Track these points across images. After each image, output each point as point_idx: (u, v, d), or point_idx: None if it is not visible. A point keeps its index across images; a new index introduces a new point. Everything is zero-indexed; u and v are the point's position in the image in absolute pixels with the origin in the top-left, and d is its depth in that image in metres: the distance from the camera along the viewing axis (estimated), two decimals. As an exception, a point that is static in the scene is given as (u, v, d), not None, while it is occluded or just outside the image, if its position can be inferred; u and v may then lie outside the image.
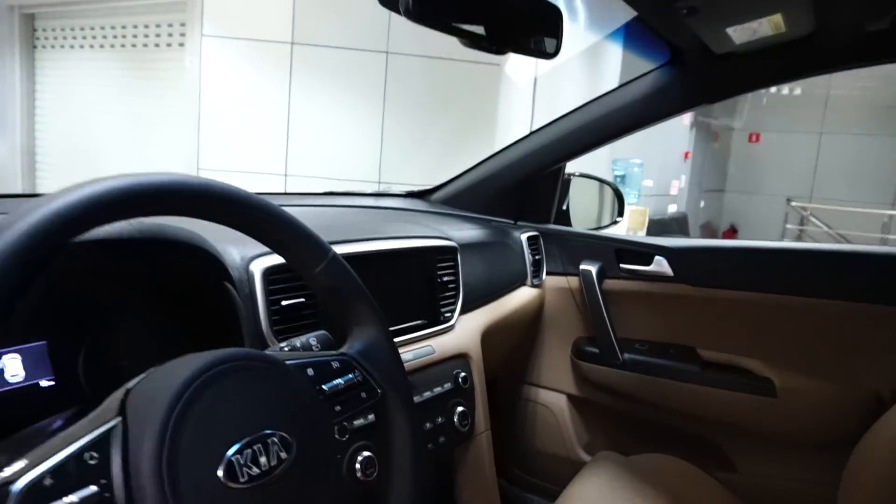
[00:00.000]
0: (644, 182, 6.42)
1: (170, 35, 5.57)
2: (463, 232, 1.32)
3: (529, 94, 4.59)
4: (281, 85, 5.16)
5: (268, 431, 0.47)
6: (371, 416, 0.59)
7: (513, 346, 1.64)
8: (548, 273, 1.63)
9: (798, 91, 10.28)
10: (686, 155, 8.67)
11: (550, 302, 1.64)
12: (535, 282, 1.56)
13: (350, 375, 0.58)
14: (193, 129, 5.30)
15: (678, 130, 8.24)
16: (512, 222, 1.64)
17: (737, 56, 1.20)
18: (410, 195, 1.72)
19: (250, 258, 0.79)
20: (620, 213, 1.85)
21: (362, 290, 0.62)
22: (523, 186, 1.61)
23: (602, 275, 1.55)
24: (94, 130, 6.17)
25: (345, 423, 0.56)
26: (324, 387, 0.55)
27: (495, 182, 1.61)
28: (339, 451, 0.55)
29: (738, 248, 1.44)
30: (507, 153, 1.59)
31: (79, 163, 6.28)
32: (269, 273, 0.79)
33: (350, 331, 0.62)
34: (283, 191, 4.94)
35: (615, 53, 5.23)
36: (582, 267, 1.55)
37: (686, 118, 8.39)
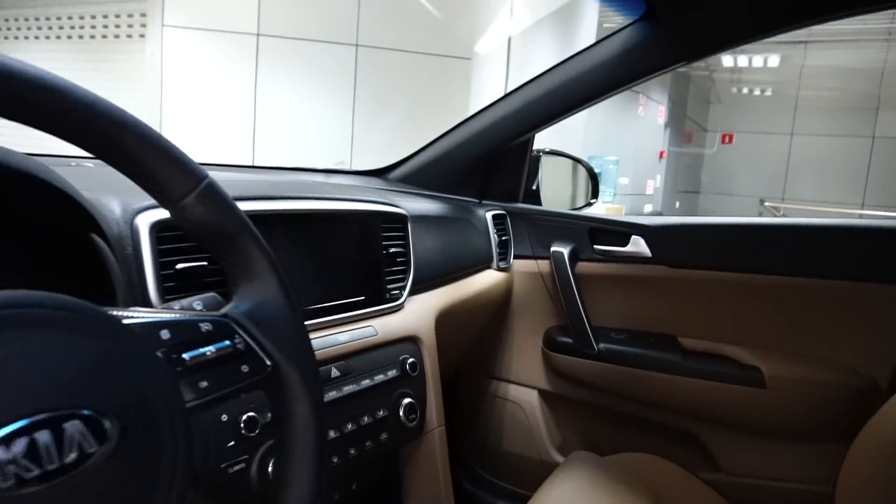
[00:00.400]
0: (620, 180, 6.35)
1: (129, 26, 5.35)
2: (417, 204, 1.17)
3: (501, 84, 4.47)
4: (247, 77, 4.98)
5: (65, 412, 0.31)
6: (259, 397, 0.44)
7: (476, 334, 1.50)
8: (516, 256, 1.49)
9: (769, 92, 10.36)
10: (661, 154, 8.65)
11: (519, 287, 1.50)
12: (502, 265, 1.42)
13: (227, 342, 0.43)
14: (155, 122, 5.09)
15: (653, 129, 8.21)
16: (476, 201, 1.50)
17: (714, 7, 1.08)
18: (366, 173, 1.57)
19: (136, 210, 0.63)
20: (595, 195, 1.72)
21: (251, 232, 0.47)
22: (488, 162, 1.47)
23: (575, 257, 1.42)
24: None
25: (216, 404, 0.41)
26: (184, 356, 0.40)
27: (457, 157, 1.47)
28: (203, 439, 0.40)
29: (721, 225, 1.32)
30: (469, 125, 1.45)
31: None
32: (159, 228, 0.64)
33: (236, 286, 0.48)
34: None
35: (591, 36, 5.14)
36: (553, 249, 1.42)
37: (660, 117, 8.37)
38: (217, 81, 5.01)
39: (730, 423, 1.30)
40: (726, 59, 8.54)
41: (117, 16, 5.43)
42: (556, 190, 1.77)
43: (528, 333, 1.51)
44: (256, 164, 5.11)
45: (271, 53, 4.98)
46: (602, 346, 1.37)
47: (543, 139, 1.60)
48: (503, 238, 1.43)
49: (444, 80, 4.95)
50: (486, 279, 1.35)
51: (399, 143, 1.54)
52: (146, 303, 0.62)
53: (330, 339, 0.81)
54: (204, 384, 0.41)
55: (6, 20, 6.24)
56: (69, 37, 5.76)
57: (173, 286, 0.65)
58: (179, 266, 0.65)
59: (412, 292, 1.00)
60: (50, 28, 5.87)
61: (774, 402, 1.22)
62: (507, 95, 1.39)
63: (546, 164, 1.66)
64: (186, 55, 4.98)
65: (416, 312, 0.99)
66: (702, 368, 1.28)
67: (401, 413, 0.86)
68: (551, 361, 1.45)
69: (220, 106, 5.00)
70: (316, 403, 0.47)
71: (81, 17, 5.66)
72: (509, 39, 4.63)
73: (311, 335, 0.78)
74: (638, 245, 1.35)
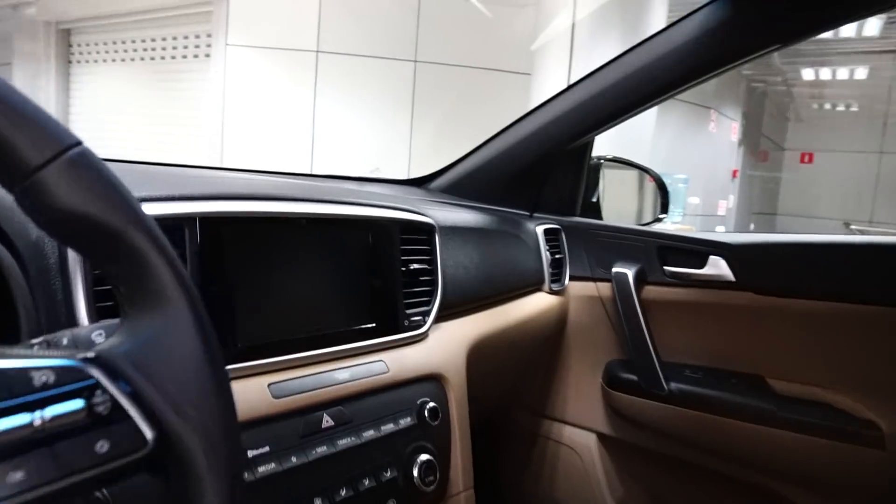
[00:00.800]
0: (689, 199, 6.00)
1: (196, 46, 5.49)
2: (453, 213, 1.00)
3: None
4: (306, 93, 4.99)
5: None
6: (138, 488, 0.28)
7: (522, 367, 1.31)
8: (572, 277, 1.29)
9: (855, 107, 9.70)
10: (734, 173, 8.18)
11: (575, 314, 1.30)
12: (555, 287, 1.23)
13: (79, 403, 0.27)
14: (217, 138, 5.16)
15: (726, 147, 7.78)
16: (527, 213, 1.32)
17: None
18: (404, 182, 1.42)
19: None
20: (664, 209, 1.50)
21: (147, 229, 0.32)
22: (541, 169, 1.29)
23: (641, 280, 1.22)
24: (122, 139, 6.12)
25: None
26: None
27: (506, 164, 1.30)
28: None
29: (821, 245, 1.09)
30: (519, 127, 1.28)
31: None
32: None
33: (123, 312, 0.32)
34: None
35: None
36: (615, 270, 1.22)
37: (733, 134, 7.93)
38: (277, 97, 5.04)
39: (832, 490, 1.06)
40: (807, 73, 8.03)
41: (185, 37, 5.58)
42: (618, 203, 1.57)
43: (586, 367, 1.31)
44: (315, 169, 5.11)
45: (330, 70, 4.97)
46: (673, 385, 1.15)
47: (601, 151, 1.41)
48: (557, 256, 1.25)
49: (503, 95, 4.80)
50: (536, 303, 1.17)
51: (459, 155, 1.38)
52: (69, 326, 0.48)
53: (324, 377, 0.65)
54: (20, 476, 0.25)
55: (87, 45, 6.54)
56: (142, 59, 5.97)
57: (109, 307, 0.50)
58: None
59: (439, 318, 0.83)
60: (125, 51, 6.10)
61: (894, 466, 0.98)
62: (563, 91, 1.21)
63: (608, 174, 1.46)
64: (247, 72, 5.04)
65: (443, 344, 0.82)
66: (797, 419, 1.05)
67: (415, 474, 0.68)
68: (612, 401, 1.25)
69: (279, 121, 5.02)
70: (231, 494, 0.30)
71: (153, 40, 5.85)
72: (571, 53, 4.44)
73: (300, 372, 0.63)
74: (718, 267, 1.14)
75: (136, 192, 0.54)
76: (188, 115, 5.53)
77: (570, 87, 1.20)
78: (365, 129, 5.01)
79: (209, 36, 5.32)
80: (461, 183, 1.36)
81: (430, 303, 0.81)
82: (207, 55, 5.35)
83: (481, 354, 0.90)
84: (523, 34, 4.73)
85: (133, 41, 6.01)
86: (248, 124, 5.05)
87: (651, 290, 1.22)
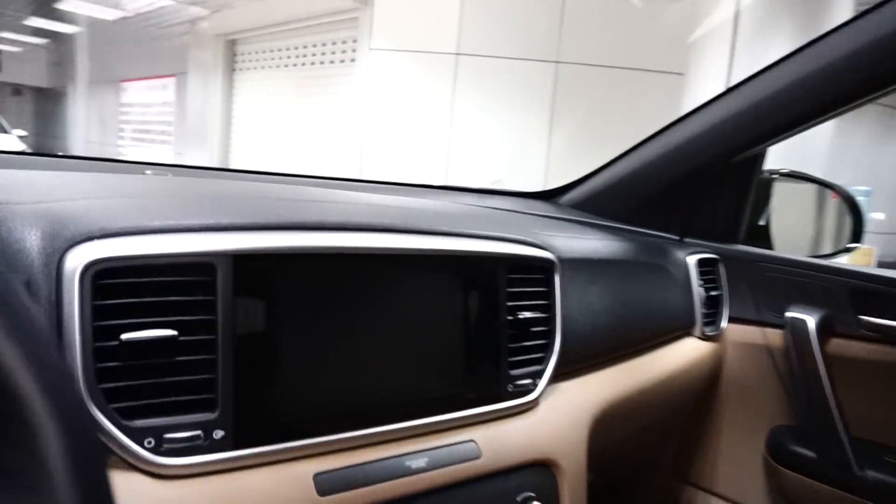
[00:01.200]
0: (872, 215, 5.20)
1: (343, 52, 5.68)
2: (582, 241, 0.82)
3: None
4: (445, 96, 4.95)
5: None
6: None
7: (663, 429, 1.08)
8: (731, 320, 1.05)
9: None
10: (929, 184, 7.02)
11: (733, 364, 1.06)
12: (710, 331, 1.00)
13: None
14: (358, 139, 5.30)
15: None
16: (676, 238, 1.10)
17: None
18: (531, 195, 1.25)
19: (67, 242, 0.39)
20: (856, 237, 1.20)
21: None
22: (695, 185, 1.06)
23: (827, 329, 0.95)
24: (275, 142, 6.50)
25: None
26: None
27: (654, 177, 1.08)
28: None
29: None
30: (670, 135, 1.06)
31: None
32: (102, 275, 0.38)
33: None
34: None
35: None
36: (790, 315, 0.97)
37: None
38: (416, 101, 5.06)
39: None
40: None
41: (333, 43, 5.79)
42: (792, 225, 1.29)
43: (742, 431, 1.06)
44: (435, 182, 5.06)
45: (469, 72, 4.89)
46: (869, 473, 0.88)
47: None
48: (713, 293, 1.01)
49: (652, 97, 4.42)
50: (684, 352, 0.95)
51: (601, 159, 1.18)
52: (66, 396, 0.37)
53: (391, 464, 0.50)
54: None
55: (248, 54, 7.04)
56: (294, 65, 6.30)
57: (116, 368, 0.39)
58: (126, 336, 0.39)
59: (555, 379, 0.65)
60: (280, 58, 6.48)
61: None
62: (726, 93, 0.98)
63: (780, 188, 1.19)
64: (389, 76, 5.11)
65: (558, 415, 0.64)
66: None
67: None
68: (778, 478, 0.99)
69: (417, 125, 5.03)
70: None
71: (305, 47, 6.15)
72: (732, 48, 3.99)
73: (358, 457, 0.48)
74: (942, 322, 0.85)
75: (154, 220, 0.43)
76: (333, 118, 5.74)
77: (733, 87, 0.97)
78: (501, 135, 4.87)
79: (355, 41, 5.47)
80: (597, 198, 1.16)
81: (543, 360, 0.64)
82: (353, 59, 5.51)
83: (609, 423, 0.71)
84: (675, 28, 4.34)
85: (287, 48, 6.36)
86: (388, 127, 5.12)
87: (839, 344, 0.95)
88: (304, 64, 6.16)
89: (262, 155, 6.72)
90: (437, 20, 4.90)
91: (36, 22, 9.45)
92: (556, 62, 4.80)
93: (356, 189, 0.98)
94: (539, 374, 0.62)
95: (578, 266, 0.73)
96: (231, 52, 7.26)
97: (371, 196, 0.82)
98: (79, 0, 7.76)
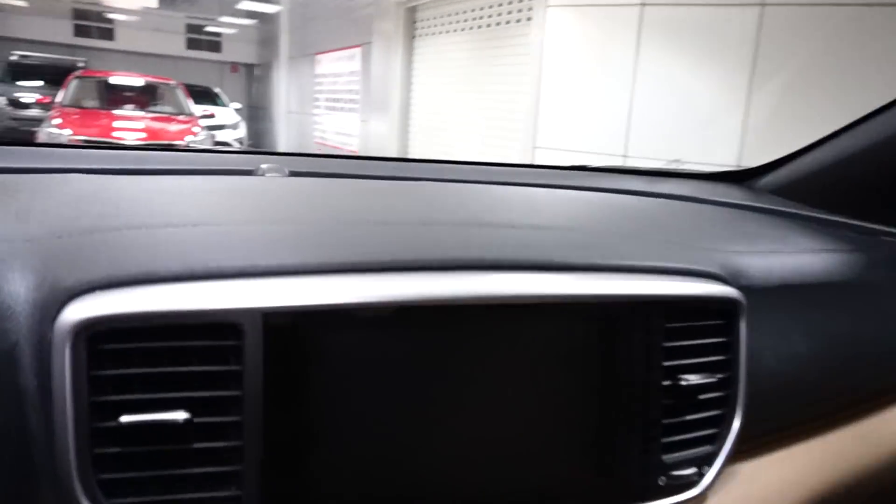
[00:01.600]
0: None
1: (519, 11, 5.47)
2: (786, 256, 0.61)
3: None
4: (626, 54, 4.55)
5: None
6: None
7: None
8: None
9: None
10: None
11: None
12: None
13: None
14: (533, 102, 5.11)
15: None
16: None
17: None
18: (718, 177, 1.02)
19: (63, 298, 0.31)
20: None
21: None
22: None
23: None
24: (451, 107, 6.55)
25: None
26: None
27: (886, 155, 0.80)
28: None
29: None
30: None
31: (439, 133, 6.78)
32: (101, 338, 0.30)
33: None
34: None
35: None
36: None
37: None
38: (595, 59, 4.72)
39: None
40: None
41: (510, 2, 5.60)
42: None
43: None
44: (630, 152, 4.68)
45: (655, 25, 4.43)
46: None
47: None
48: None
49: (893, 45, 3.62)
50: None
51: (820, 123, 0.92)
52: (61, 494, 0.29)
53: None
54: None
55: (427, 20, 7.10)
56: (471, 28, 6.22)
57: (116, 456, 0.31)
58: (127, 420, 0.31)
59: (734, 459, 0.47)
60: (457, 22, 6.44)
61: None
62: None
63: None
64: (567, 34, 4.82)
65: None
66: None
67: None
68: None
69: (596, 85, 4.71)
70: None
71: (481, 9, 6.03)
72: None
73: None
74: None
75: (177, 261, 0.33)
76: (509, 81, 5.59)
77: None
78: (691, 97, 4.35)
79: (531, -1, 5.24)
80: (808, 182, 0.90)
81: (716, 438, 0.46)
82: (529, 18, 5.29)
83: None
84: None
85: (464, 11, 6.30)
86: (563, 91, 4.86)
87: None
88: (480, 27, 6.07)
89: (439, 119, 6.81)
90: (621, -32, 4.48)
91: (247, 5, 10.44)
92: (762, 4, 4.15)
93: (492, 177, 0.84)
94: (709, 459, 0.45)
95: (779, 296, 0.53)
96: (411, 19, 7.39)
97: (494, 193, 0.68)
98: (280, -20, 8.37)
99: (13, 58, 10.18)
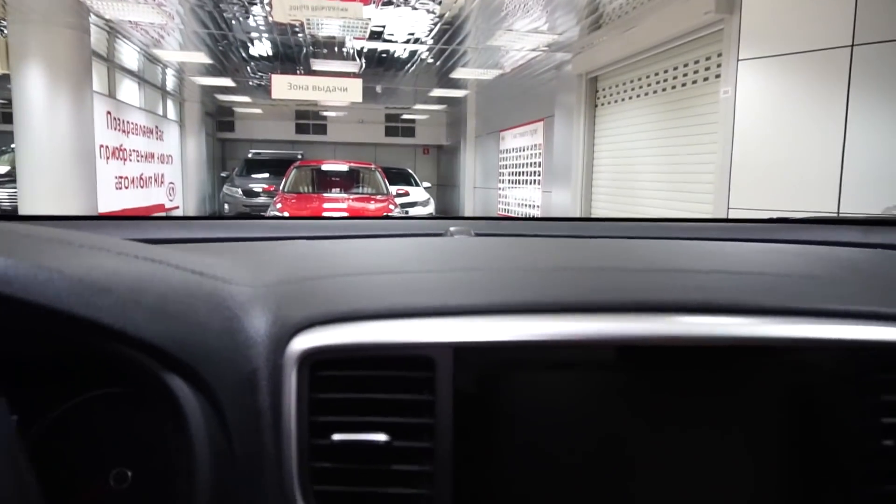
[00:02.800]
0: None
1: (707, 69, 5.29)
2: None
3: None
4: (834, 101, 4.14)
5: None
6: None
7: None
8: None
9: None
10: None
11: None
12: None
13: None
14: (725, 163, 4.82)
15: None
16: None
17: None
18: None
19: (291, 332, 0.37)
20: None
21: None
22: None
23: None
24: (634, 173, 6.41)
25: None
26: None
27: None
28: None
29: None
30: None
31: (623, 201, 6.64)
32: (320, 366, 0.36)
33: None
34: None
35: None
36: None
37: None
38: (796, 111, 4.35)
39: None
40: None
41: (696, 62, 5.45)
42: None
43: None
44: (844, 209, 4.17)
45: (869, 67, 3.99)
46: None
47: None
48: None
49: None
50: None
51: None
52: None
53: None
54: None
55: (608, 88, 7.14)
56: (655, 92, 6.12)
57: (330, 470, 0.35)
58: (338, 438, 0.35)
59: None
60: (640, 87, 6.39)
61: None
62: None
63: None
64: (761, 87, 4.53)
65: None
66: None
67: None
68: None
69: (798, 138, 4.32)
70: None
71: (666, 71, 5.93)
72: None
73: None
74: None
75: (380, 301, 0.37)
76: (699, 141, 5.37)
77: None
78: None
79: (719, 55, 5.03)
80: None
81: None
82: (717, 76, 5.08)
83: None
84: None
85: (647, 76, 6.23)
86: (761, 149, 4.53)
87: None
88: (664, 90, 5.95)
89: (624, 186, 6.69)
90: (824, 12, 4.15)
91: (438, 92, 11.38)
92: None
93: (679, 233, 0.81)
94: None
95: None
96: (593, 89, 7.48)
97: (679, 246, 0.66)
98: (465, 68, 9.03)
99: (249, 155, 12.18)
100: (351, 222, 0.89)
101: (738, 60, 4.65)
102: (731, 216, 4.81)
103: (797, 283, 0.46)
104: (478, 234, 0.79)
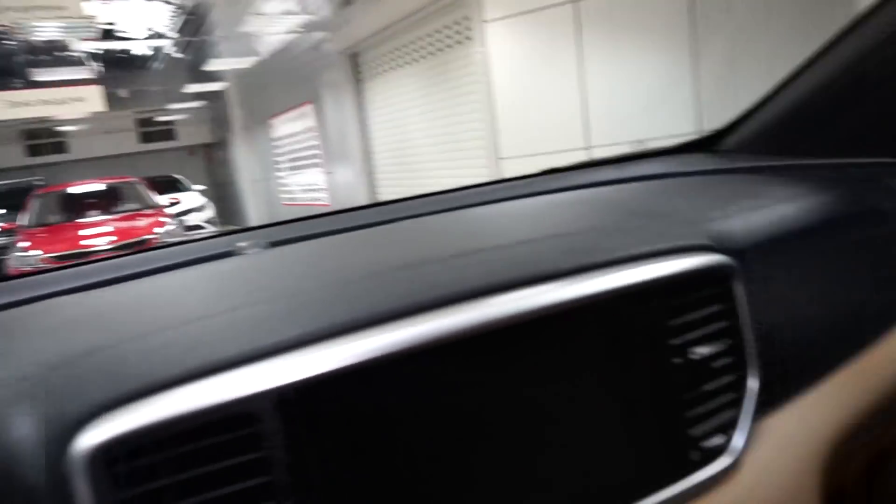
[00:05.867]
0: None
1: (458, 32, 5.55)
2: (771, 210, 0.60)
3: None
4: (569, 51, 4.62)
5: None
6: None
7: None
8: None
9: None
10: None
11: None
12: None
13: None
14: (489, 117, 5.16)
15: None
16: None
17: None
18: (683, 148, 1.01)
19: (71, 430, 0.29)
20: None
21: None
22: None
23: None
24: (409, 139, 6.59)
25: None
26: None
27: (858, 80, 0.80)
28: None
29: None
30: (881, 14, 0.77)
31: (404, 170, 6.80)
32: (120, 459, 0.29)
33: None
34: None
35: None
36: None
37: None
38: (541, 63, 4.79)
39: None
40: None
41: (446, 27, 5.68)
42: None
43: None
44: (594, 142, 4.72)
45: (593, 19, 4.50)
46: None
47: None
48: None
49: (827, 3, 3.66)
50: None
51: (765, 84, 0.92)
52: None
53: None
54: None
55: (371, 61, 7.19)
56: (415, 60, 6.30)
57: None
58: None
59: (759, 417, 0.46)
60: (400, 56, 6.52)
61: None
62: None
63: None
64: (508, 45, 4.90)
65: (773, 473, 0.45)
66: None
67: None
68: None
69: (547, 87, 4.77)
70: None
71: (420, 38, 6.12)
72: None
73: None
74: None
75: (146, 370, 0.31)
76: (464, 101, 5.64)
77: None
78: (640, 83, 4.40)
79: (466, 18, 5.32)
80: (772, 131, 0.90)
81: (736, 402, 0.45)
82: (468, 38, 5.36)
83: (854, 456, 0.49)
84: None
85: (404, 45, 6.38)
86: (518, 100, 4.92)
87: None
88: (423, 56, 6.14)
89: (403, 155, 6.84)
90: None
91: (192, 87, 10.53)
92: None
93: (468, 200, 0.83)
94: (732, 423, 0.44)
95: (770, 249, 0.52)
96: (355, 64, 7.47)
97: (473, 216, 0.67)
98: (219, 59, 8.46)
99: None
100: (123, 260, 0.75)
101: (482, 22, 4.96)
102: (504, 167, 5.18)
103: (585, 239, 0.49)
104: (272, 244, 0.72)
